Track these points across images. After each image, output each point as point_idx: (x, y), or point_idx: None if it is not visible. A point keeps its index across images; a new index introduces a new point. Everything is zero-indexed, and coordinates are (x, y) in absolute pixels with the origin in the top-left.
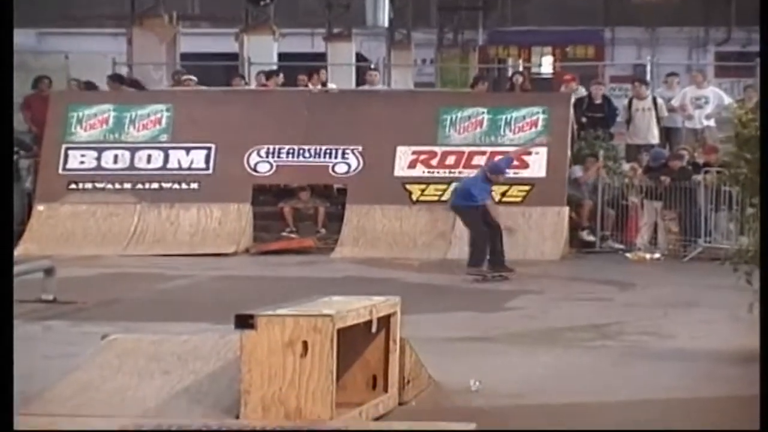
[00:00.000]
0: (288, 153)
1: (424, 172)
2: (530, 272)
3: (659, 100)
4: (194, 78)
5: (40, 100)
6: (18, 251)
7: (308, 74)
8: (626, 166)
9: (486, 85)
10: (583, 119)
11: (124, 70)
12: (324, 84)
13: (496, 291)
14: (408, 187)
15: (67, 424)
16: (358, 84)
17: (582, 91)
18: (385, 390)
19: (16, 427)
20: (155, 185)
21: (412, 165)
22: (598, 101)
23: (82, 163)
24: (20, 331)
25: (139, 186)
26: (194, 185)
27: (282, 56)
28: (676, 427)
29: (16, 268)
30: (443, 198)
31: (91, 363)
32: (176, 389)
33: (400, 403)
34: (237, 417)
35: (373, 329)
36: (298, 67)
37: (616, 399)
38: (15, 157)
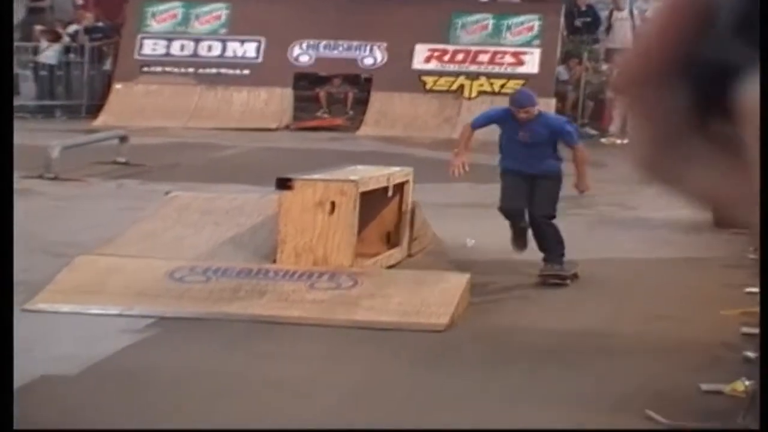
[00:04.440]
0: (324, 47)
1: (437, 66)
2: None
3: (635, 11)
4: None
5: None
6: (97, 122)
7: None
8: (605, 66)
9: None
10: (578, 23)
11: None
12: None
13: (489, 166)
14: (423, 78)
15: (134, 263)
16: None
17: None
18: (397, 244)
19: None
20: (214, 70)
21: (427, 60)
22: (584, 8)
23: (154, 50)
24: (98, 188)
25: (201, 71)
26: (246, 71)
27: None
28: (632, 281)
29: (96, 135)
30: (452, 88)
31: (155, 215)
32: (224, 238)
33: (408, 256)
34: (274, 262)
35: (389, 194)
36: None
37: (587, 257)
38: (97, 43)
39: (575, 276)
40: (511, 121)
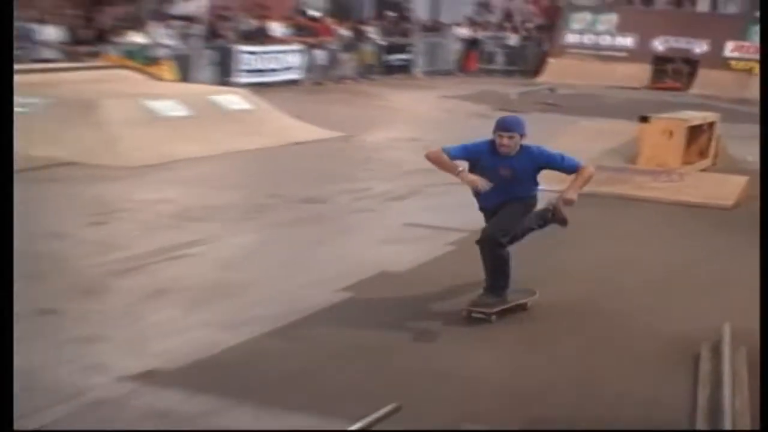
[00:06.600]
0: (673, 40)
1: (738, 54)
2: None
3: None
4: None
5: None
6: (538, 80)
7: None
8: None
9: None
10: None
11: None
12: (680, 4)
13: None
14: (729, 61)
15: None
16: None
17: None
18: (706, 157)
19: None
20: (607, 53)
21: (733, 50)
22: None
23: (572, 40)
24: (535, 117)
25: (599, 53)
26: (625, 54)
27: None
28: None
29: (537, 87)
30: (746, 68)
31: (568, 134)
32: (607, 148)
33: (713, 164)
34: (633, 164)
35: (704, 128)
36: None
37: None
38: (542, 34)
39: (523, 307)
40: (491, 156)
